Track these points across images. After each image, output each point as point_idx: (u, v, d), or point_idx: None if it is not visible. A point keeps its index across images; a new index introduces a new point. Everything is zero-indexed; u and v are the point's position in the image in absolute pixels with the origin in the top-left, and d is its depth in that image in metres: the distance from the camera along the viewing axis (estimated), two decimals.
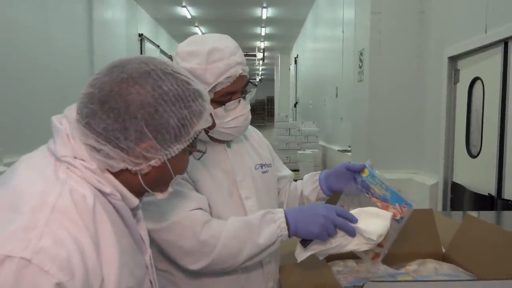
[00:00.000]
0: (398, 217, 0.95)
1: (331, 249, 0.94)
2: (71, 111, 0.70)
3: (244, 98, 1.03)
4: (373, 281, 0.70)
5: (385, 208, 0.96)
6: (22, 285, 0.55)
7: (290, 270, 1.06)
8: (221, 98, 1.00)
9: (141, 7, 9.28)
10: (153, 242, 1.00)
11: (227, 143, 1.09)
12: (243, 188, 1.06)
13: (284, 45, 13.87)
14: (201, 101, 0.71)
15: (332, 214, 0.93)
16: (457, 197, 2.93)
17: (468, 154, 2.82)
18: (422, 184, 3.21)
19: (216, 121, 1.01)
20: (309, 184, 1.16)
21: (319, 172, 1.16)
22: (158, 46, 10.33)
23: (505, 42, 2.35)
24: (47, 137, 0.72)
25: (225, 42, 1.01)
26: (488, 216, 2.04)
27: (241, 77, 1.01)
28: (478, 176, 2.68)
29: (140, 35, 8.95)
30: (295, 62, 12.74)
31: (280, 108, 14.96)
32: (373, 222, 0.92)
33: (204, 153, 0.78)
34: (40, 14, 4.65)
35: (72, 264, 0.57)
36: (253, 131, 1.22)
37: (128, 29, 8.24)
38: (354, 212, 0.96)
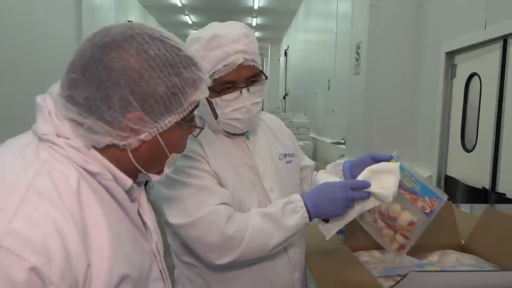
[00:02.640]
0: (427, 210, 0.96)
1: (351, 217, 0.97)
2: (55, 87, 0.65)
3: (248, 89, 0.98)
4: (416, 271, 0.71)
5: (414, 201, 0.96)
6: None
7: (317, 260, 1.06)
8: (219, 87, 0.96)
9: None
10: (177, 236, 0.99)
11: (245, 135, 1.08)
12: (266, 180, 1.05)
13: (274, 36, 13.81)
14: (194, 69, 0.65)
15: (349, 192, 0.94)
16: (450, 190, 2.99)
17: (463, 148, 2.87)
18: None
19: (217, 111, 0.99)
20: (333, 174, 1.16)
21: (343, 161, 1.15)
22: None
23: (504, 39, 2.38)
24: (29, 119, 0.67)
25: (229, 29, 0.97)
26: (482, 208, 2.09)
27: (242, 66, 0.95)
28: (472, 170, 2.74)
29: (129, 22, 8.76)
30: (285, 54, 12.71)
31: (269, 100, 14.94)
32: (384, 179, 0.94)
33: (202, 129, 0.72)
34: None
35: (48, 248, 0.52)
36: (275, 121, 1.20)
37: (117, 16, 8.07)
38: (363, 175, 0.96)
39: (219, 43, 0.94)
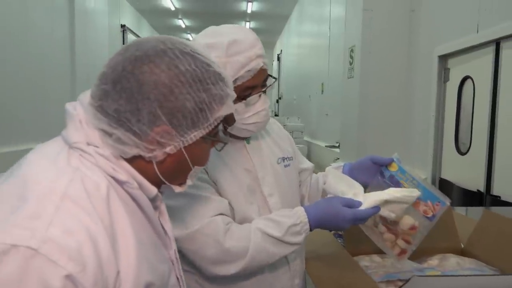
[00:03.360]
0: (429, 214, 0.95)
1: None
2: (86, 95, 0.66)
3: (265, 92, 0.99)
4: (419, 275, 0.71)
5: (416, 205, 0.96)
6: (28, 277, 0.50)
7: (317, 265, 1.06)
8: (241, 93, 0.95)
9: None
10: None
11: (246, 139, 1.06)
12: (265, 185, 1.04)
13: (268, 40, 13.85)
14: (222, 85, 0.67)
15: (355, 222, 0.95)
16: (445, 193, 2.98)
17: (457, 151, 2.89)
18: None
19: (236, 117, 0.97)
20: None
21: (342, 164, 1.14)
22: None
23: (497, 42, 2.41)
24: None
25: (244, 34, 0.96)
26: (478, 211, 2.10)
27: (261, 70, 0.96)
28: (466, 173, 2.75)
29: (123, 26, 8.75)
30: (278, 59, 12.75)
31: None
32: (395, 206, 0.93)
33: (226, 143, 0.74)
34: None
35: (83, 255, 0.53)
36: (274, 124, 1.19)
37: (111, 20, 8.04)
38: (376, 201, 0.93)
39: (240, 49, 0.93)
